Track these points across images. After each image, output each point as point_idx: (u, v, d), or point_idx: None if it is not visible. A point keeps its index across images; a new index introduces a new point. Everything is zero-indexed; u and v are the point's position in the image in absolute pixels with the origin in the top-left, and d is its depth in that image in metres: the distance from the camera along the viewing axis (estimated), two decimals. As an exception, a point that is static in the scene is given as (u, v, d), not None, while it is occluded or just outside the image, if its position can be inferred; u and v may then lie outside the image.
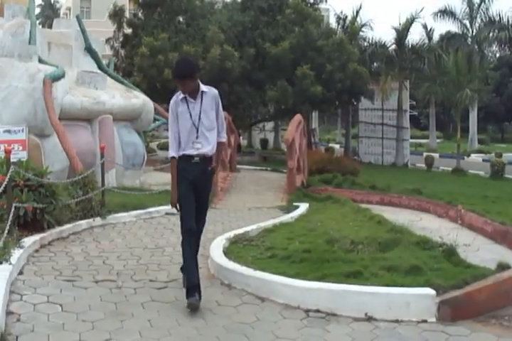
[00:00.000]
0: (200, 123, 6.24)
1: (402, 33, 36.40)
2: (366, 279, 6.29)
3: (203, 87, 6.28)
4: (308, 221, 11.36)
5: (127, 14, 36.15)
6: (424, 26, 41.79)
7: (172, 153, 6.29)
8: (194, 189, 6.29)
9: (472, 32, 45.30)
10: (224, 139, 6.64)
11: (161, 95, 28.02)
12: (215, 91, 6.38)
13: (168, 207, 12.27)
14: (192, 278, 6.09)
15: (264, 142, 46.38)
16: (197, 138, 6.24)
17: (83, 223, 10.32)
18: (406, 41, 36.75)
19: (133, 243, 9.26)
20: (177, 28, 31.24)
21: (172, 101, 6.31)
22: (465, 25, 45.56)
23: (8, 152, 8.72)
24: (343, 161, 22.97)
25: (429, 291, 5.89)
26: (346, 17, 37.18)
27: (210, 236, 9.31)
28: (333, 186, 17.94)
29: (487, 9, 45.10)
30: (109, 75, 18.55)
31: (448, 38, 43.97)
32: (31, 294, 6.30)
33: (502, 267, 6.78)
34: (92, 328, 5.44)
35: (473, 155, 42.85)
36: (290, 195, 15.80)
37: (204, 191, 6.48)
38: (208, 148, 6.31)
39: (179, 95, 6.26)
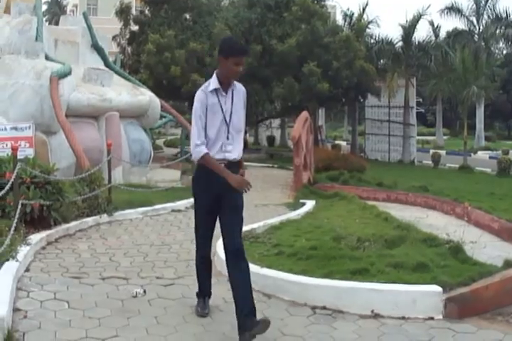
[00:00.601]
0: (230, 122, 5.43)
1: (408, 30, 36.34)
2: (373, 276, 6.29)
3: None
4: (315, 218, 11.36)
5: (134, 11, 36.25)
6: (431, 23, 41.78)
7: (204, 149, 5.30)
8: (220, 201, 5.41)
9: (479, 29, 45.23)
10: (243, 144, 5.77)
11: (167, 92, 28.11)
12: (243, 87, 5.65)
13: (174, 204, 12.40)
14: (205, 290, 5.99)
15: (270, 139, 46.43)
16: (227, 138, 5.40)
17: (90, 220, 10.34)
18: (413, 38, 36.71)
19: (139, 240, 9.27)
20: (183, 25, 31.27)
21: (200, 93, 5.42)
22: (472, 22, 45.50)
23: (15, 149, 8.74)
24: (349, 158, 22.96)
25: (436, 288, 5.88)
26: (353, 14, 37.15)
27: (216, 233, 9.31)
28: (340, 183, 17.93)
29: (494, 6, 45.17)
30: (116, 72, 18.55)
31: (455, 34, 43.86)
32: (38, 291, 6.31)
33: (509, 264, 6.77)
34: (99, 325, 5.45)
35: (480, 153, 42.79)
36: (297, 192, 15.81)
37: (234, 200, 5.42)
38: (237, 151, 5.49)
39: (208, 86, 5.43)
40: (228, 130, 5.40)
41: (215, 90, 5.40)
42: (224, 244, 5.49)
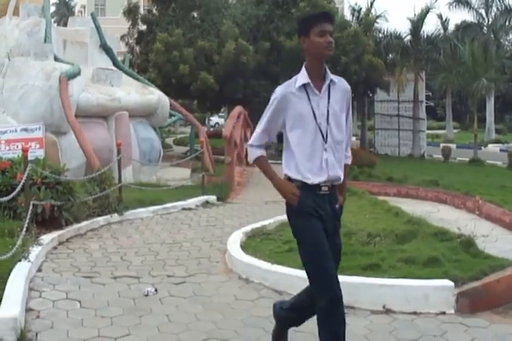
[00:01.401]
0: (328, 130, 4.11)
1: (417, 23, 36.22)
2: (384, 271, 6.28)
3: (330, 74, 4.26)
4: (326, 214, 11.32)
5: (141, 11, 36.28)
6: (440, 16, 41.51)
7: (258, 151, 4.35)
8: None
9: (488, 21, 44.94)
10: (350, 160, 4.41)
11: (176, 91, 28.09)
12: (346, 84, 4.34)
13: (184, 203, 12.41)
14: None
15: (280, 136, 46.39)
16: (325, 150, 4.11)
17: (101, 219, 10.36)
18: (421, 32, 36.57)
19: (150, 239, 9.29)
20: (191, 24, 31.29)
21: (279, 92, 4.17)
22: (481, 14, 45.21)
23: (25, 150, 8.78)
24: (359, 153, 22.89)
25: (448, 283, 5.86)
26: (361, 9, 37.05)
27: (227, 231, 9.34)
28: (350, 179, 17.90)
29: (503, -3, 44.79)
30: (125, 72, 18.60)
31: (463, 27, 43.68)
32: (50, 291, 6.34)
33: (520, 257, 6.75)
34: (111, 324, 5.47)
35: (490, 146, 42.56)
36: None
37: (336, 235, 4.29)
38: (340, 170, 4.20)
39: (294, 82, 4.18)
40: (326, 140, 4.11)
41: (304, 86, 4.15)
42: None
